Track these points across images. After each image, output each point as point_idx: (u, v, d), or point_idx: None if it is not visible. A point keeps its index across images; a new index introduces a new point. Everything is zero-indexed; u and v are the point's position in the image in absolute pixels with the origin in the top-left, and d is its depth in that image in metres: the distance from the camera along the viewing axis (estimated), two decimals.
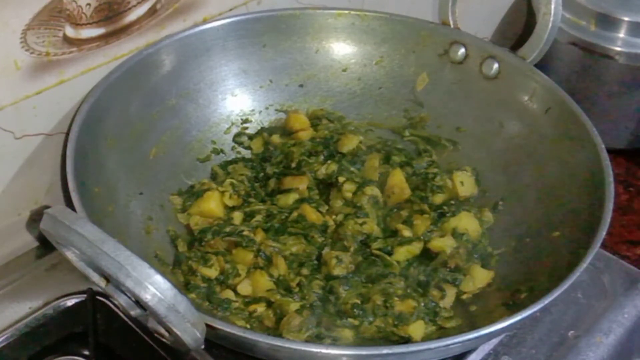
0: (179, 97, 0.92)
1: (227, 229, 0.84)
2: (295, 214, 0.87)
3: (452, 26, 1.00)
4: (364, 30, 1.00)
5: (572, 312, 0.85)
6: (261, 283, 0.81)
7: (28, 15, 0.74)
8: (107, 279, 0.64)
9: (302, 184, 0.91)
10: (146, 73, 0.88)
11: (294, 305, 0.78)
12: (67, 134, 0.83)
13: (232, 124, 0.98)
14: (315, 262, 0.84)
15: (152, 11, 0.86)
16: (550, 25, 0.91)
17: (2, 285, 0.82)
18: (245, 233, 0.84)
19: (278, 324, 0.77)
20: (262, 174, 0.94)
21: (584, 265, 0.71)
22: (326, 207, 0.90)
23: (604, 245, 0.76)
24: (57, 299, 0.81)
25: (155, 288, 0.57)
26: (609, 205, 0.77)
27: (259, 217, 0.87)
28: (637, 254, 1.02)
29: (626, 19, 1.12)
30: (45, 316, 0.80)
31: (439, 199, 0.91)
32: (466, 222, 0.88)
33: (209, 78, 0.95)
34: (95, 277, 0.65)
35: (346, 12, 0.99)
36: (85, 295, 0.81)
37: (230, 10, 0.95)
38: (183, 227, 0.88)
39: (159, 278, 0.58)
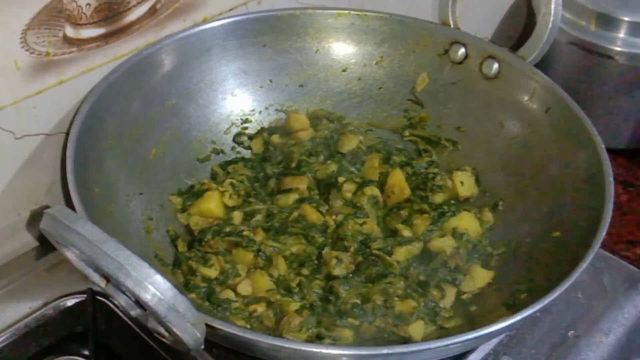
0: (179, 97, 0.92)
1: (227, 229, 0.84)
2: (295, 214, 0.87)
3: (452, 26, 1.00)
4: (364, 30, 1.00)
5: (572, 312, 0.85)
6: (261, 283, 0.81)
7: (28, 15, 0.74)
8: (107, 279, 0.64)
9: (302, 184, 0.91)
10: (146, 73, 0.88)
11: (294, 305, 0.79)
12: (67, 134, 0.83)
13: (232, 124, 0.98)
14: (315, 262, 0.84)
15: (152, 11, 0.86)
16: (550, 25, 0.91)
17: (2, 285, 0.82)
18: (245, 233, 0.84)
19: (278, 324, 0.77)
20: (262, 174, 0.94)
21: (584, 265, 0.71)
22: (326, 207, 0.90)
23: (604, 245, 0.76)
24: (57, 299, 0.81)
25: (155, 288, 0.57)
26: (609, 205, 0.77)
27: (259, 217, 0.87)
28: (637, 254, 1.02)
29: (626, 19, 1.12)
30: (45, 316, 0.80)
31: (439, 198, 0.91)
32: (466, 222, 0.88)
33: (209, 78, 0.95)
34: (95, 277, 0.65)
35: (346, 12, 0.99)
36: (85, 295, 0.81)
37: (230, 10, 0.95)
38: (183, 227, 0.88)
39: (159, 278, 0.58)
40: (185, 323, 0.59)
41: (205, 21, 0.92)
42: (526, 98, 0.93)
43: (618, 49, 1.12)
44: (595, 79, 1.14)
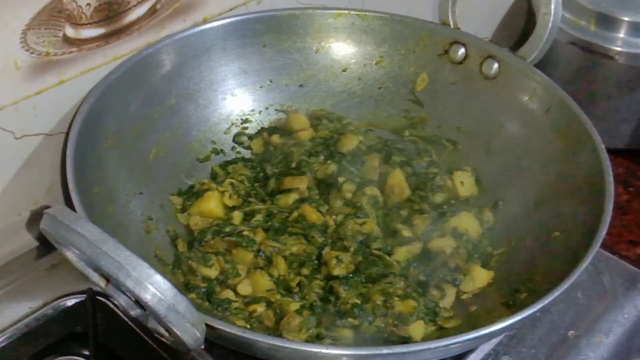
0: (179, 97, 0.92)
1: (227, 229, 0.84)
2: (295, 214, 0.87)
3: (452, 26, 1.00)
4: (364, 30, 1.00)
5: (572, 312, 0.85)
6: (261, 283, 0.81)
7: (28, 15, 0.74)
8: (107, 279, 0.64)
9: (302, 184, 0.91)
10: (146, 73, 0.88)
11: (294, 305, 0.79)
12: (67, 134, 0.83)
13: (232, 124, 0.98)
14: (315, 262, 0.84)
15: (152, 11, 0.86)
16: (550, 25, 0.91)
17: (2, 285, 0.82)
18: (245, 233, 0.84)
19: (278, 324, 0.77)
20: (262, 174, 0.94)
21: (584, 265, 0.71)
22: (326, 207, 0.90)
23: (604, 245, 0.76)
24: (57, 299, 0.81)
25: (155, 288, 0.57)
26: (609, 205, 0.77)
27: (259, 217, 0.87)
28: (637, 254, 1.02)
29: (626, 19, 1.12)
30: (45, 316, 0.80)
31: (439, 198, 0.91)
32: (466, 222, 0.88)
33: (209, 78, 0.95)
34: (95, 277, 0.65)
35: (346, 12, 0.99)
36: (85, 295, 0.81)
37: (230, 10, 0.95)
38: (183, 227, 0.88)
39: (159, 278, 0.58)
40: (185, 323, 0.59)
41: (205, 21, 0.92)
42: (526, 98, 0.93)
43: (618, 49, 1.11)
44: (595, 79, 1.14)
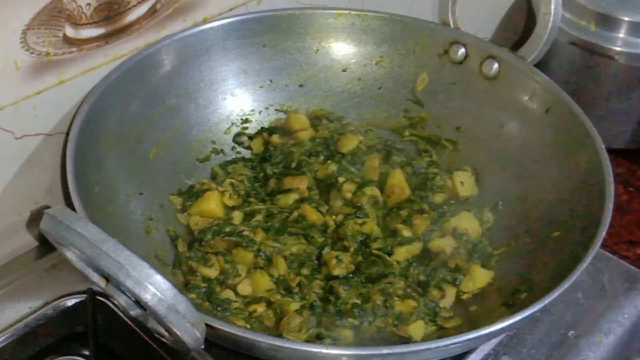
0: (179, 97, 0.92)
1: (227, 229, 0.84)
2: (295, 214, 0.87)
3: (452, 26, 1.00)
4: (364, 30, 1.00)
5: (572, 312, 0.85)
6: (261, 283, 0.81)
7: (28, 15, 0.74)
8: (107, 279, 0.64)
9: (302, 184, 0.91)
10: (146, 73, 0.88)
11: (294, 305, 0.78)
12: (67, 134, 0.83)
13: (232, 124, 0.98)
14: (315, 262, 0.84)
15: (152, 11, 0.86)
16: (550, 25, 0.91)
17: (2, 285, 0.82)
18: (245, 233, 0.84)
19: (278, 324, 0.77)
20: (262, 174, 0.94)
21: (584, 265, 0.71)
22: (326, 207, 0.90)
23: (604, 245, 0.76)
24: (57, 299, 0.81)
25: (155, 288, 0.57)
26: (609, 205, 0.77)
27: (259, 217, 0.87)
28: (637, 254, 1.02)
29: (626, 19, 1.12)
30: (45, 316, 0.80)
31: (439, 198, 0.91)
32: (466, 222, 0.88)
33: (209, 78, 0.95)
34: (95, 277, 0.65)
35: (346, 12, 0.99)
36: (85, 295, 0.81)
37: (230, 10, 0.95)
38: (183, 227, 0.88)
39: (159, 278, 0.58)
40: (185, 323, 0.59)
41: (205, 21, 0.93)
42: (526, 98, 0.93)
43: (618, 49, 1.11)
44: (595, 79, 1.14)
